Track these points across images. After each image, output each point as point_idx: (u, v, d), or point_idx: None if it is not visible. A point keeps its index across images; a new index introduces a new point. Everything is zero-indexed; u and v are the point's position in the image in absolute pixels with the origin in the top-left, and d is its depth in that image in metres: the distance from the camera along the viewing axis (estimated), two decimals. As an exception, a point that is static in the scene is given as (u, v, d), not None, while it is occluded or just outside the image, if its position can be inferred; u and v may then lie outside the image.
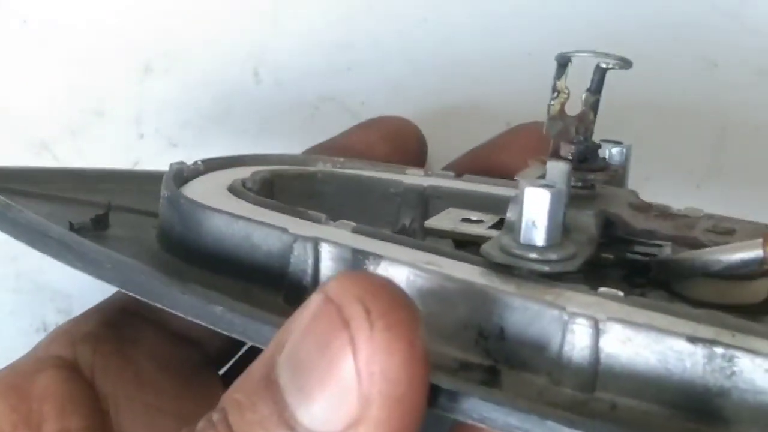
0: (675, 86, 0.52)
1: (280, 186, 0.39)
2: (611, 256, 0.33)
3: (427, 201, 0.39)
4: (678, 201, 0.35)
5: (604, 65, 0.33)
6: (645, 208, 0.34)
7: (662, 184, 0.51)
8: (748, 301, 0.31)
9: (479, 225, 0.34)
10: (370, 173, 0.41)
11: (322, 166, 0.41)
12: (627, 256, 0.33)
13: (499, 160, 0.44)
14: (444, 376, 0.26)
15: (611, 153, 0.36)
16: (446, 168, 0.44)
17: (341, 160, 0.42)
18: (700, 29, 0.52)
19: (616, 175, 0.34)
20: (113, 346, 0.38)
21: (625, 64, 0.33)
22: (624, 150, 0.36)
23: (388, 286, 0.24)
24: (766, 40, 0.51)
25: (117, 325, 0.39)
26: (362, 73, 0.53)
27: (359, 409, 0.24)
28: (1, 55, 0.53)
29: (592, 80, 0.34)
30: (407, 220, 0.39)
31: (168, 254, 0.34)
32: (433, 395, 0.25)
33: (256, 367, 0.26)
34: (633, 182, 0.37)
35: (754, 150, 0.52)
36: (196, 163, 0.38)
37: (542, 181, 0.30)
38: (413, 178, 0.40)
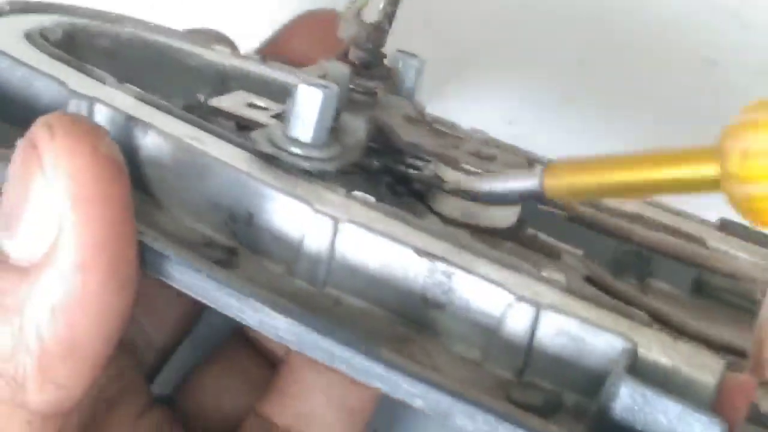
0: (675, 86, 0.51)
1: (82, 41, 0.38)
2: (378, 163, 0.34)
3: (224, 80, 0.39)
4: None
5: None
6: (418, 121, 0.35)
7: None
8: (496, 225, 0.33)
9: (262, 112, 0.34)
10: (176, 43, 0.40)
11: (131, 28, 0.40)
12: (394, 165, 0.34)
13: (288, 46, 0.44)
14: (170, 245, 0.27)
15: (402, 63, 0.37)
16: (258, 51, 0.44)
17: (152, 25, 0.41)
18: (700, 29, 0.51)
19: (397, 84, 0.36)
20: None
21: None
22: (414, 62, 0.37)
23: (72, 114, 0.27)
24: (766, 40, 0.51)
25: None
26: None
27: (56, 218, 0.25)
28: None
29: (391, -10, 0.35)
30: (202, 95, 0.39)
31: None
32: (152, 259, 0.27)
33: None
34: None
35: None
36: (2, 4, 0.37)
37: (318, 81, 0.30)
38: (217, 55, 0.40)
